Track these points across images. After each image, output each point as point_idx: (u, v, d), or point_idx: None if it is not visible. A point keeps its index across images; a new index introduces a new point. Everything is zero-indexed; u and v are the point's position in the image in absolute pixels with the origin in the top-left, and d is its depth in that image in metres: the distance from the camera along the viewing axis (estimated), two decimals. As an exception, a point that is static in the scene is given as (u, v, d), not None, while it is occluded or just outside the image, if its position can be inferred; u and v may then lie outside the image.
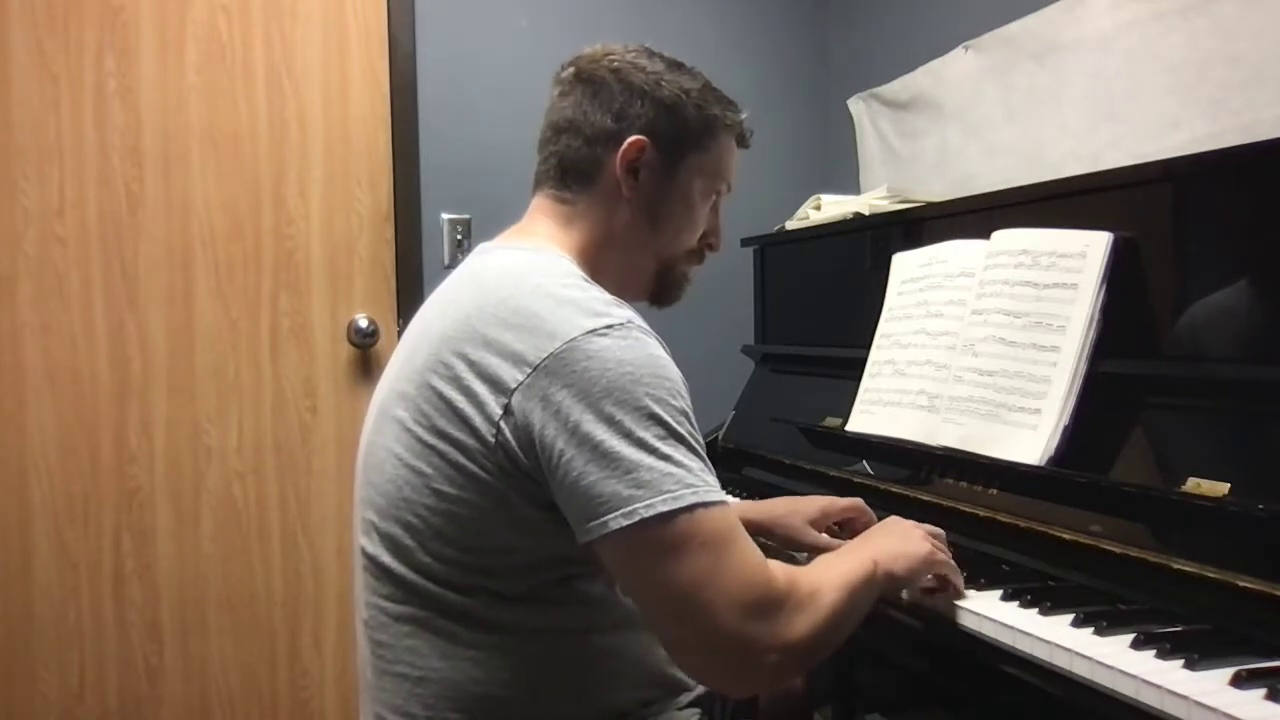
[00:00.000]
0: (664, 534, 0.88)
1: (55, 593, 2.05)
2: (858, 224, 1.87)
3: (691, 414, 0.95)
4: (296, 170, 2.20)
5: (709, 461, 0.95)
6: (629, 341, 0.92)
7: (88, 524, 2.08)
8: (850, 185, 2.46)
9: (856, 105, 2.49)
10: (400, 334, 2.24)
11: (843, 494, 1.47)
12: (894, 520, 1.17)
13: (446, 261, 2.32)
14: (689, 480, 0.90)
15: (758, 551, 0.93)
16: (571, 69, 1.12)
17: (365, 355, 2.26)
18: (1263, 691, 0.80)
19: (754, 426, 1.95)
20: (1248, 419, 1.07)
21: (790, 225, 2.10)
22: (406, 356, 1.05)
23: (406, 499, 0.98)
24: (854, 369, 1.62)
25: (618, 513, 0.88)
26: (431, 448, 0.96)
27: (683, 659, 0.95)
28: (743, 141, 1.17)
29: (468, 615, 0.97)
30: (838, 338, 1.85)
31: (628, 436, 0.89)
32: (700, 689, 1.10)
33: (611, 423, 0.89)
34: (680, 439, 0.92)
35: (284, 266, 2.20)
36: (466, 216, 2.33)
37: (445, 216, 2.32)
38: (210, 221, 2.14)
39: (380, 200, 2.27)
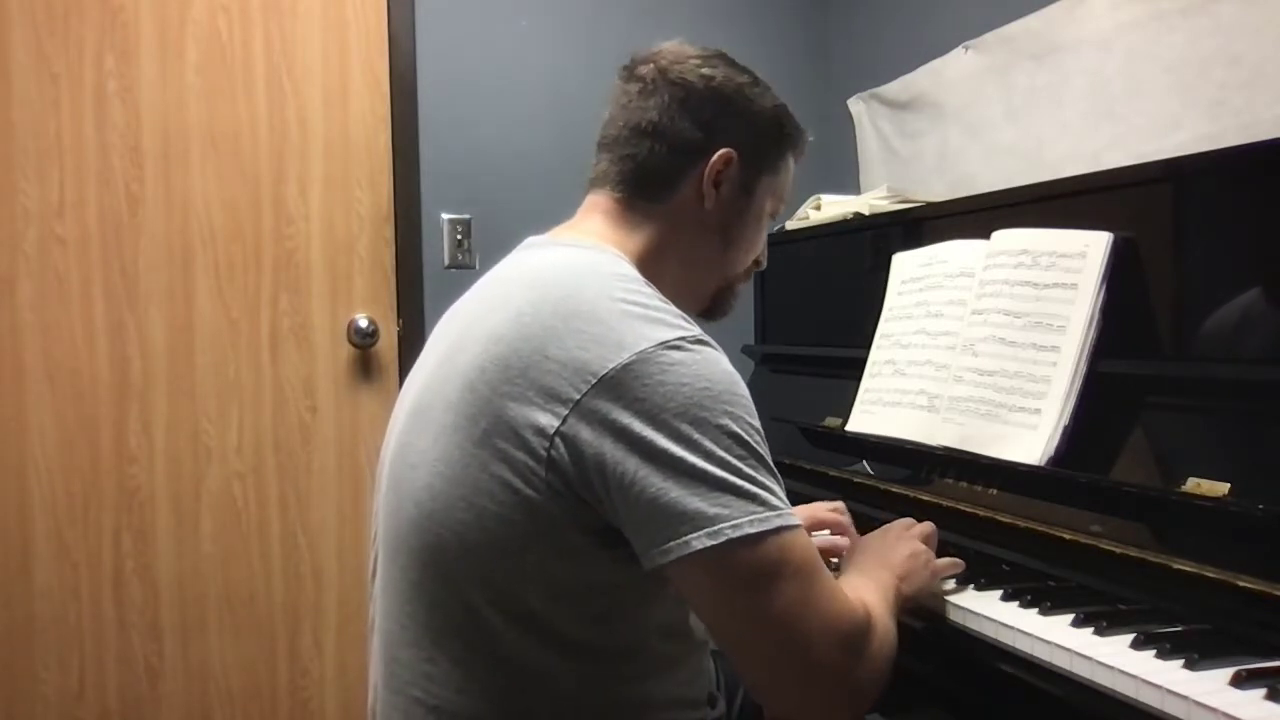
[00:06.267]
0: (752, 559, 0.82)
1: (55, 593, 2.05)
2: (858, 224, 1.87)
3: (764, 435, 0.90)
4: (296, 170, 2.20)
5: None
6: (703, 356, 0.88)
7: (88, 524, 2.08)
8: (850, 185, 2.45)
9: (856, 105, 2.49)
10: (400, 334, 2.27)
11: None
12: (884, 535, 1.14)
13: (447, 262, 2.32)
14: (774, 503, 0.85)
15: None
16: (652, 66, 1.06)
17: (365, 355, 2.26)
18: (1263, 691, 0.80)
19: (754, 426, 1.94)
20: (1248, 419, 1.07)
21: (790, 225, 2.10)
22: (446, 353, 0.97)
23: (442, 509, 0.90)
24: (854, 369, 1.62)
25: (701, 532, 0.81)
26: (474, 457, 0.88)
27: (777, 697, 0.88)
28: (798, 161, 1.16)
29: (492, 650, 0.90)
30: (838, 338, 1.85)
31: (709, 456, 0.83)
32: (715, 714, 1.05)
33: (689, 440, 0.83)
34: (761, 460, 0.87)
35: (284, 266, 2.20)
36: (466, 216, 2.33)
37: (445, 216, 2.32)
38: (210, 221, 2.14)
39: (380, 200, 2.27)
